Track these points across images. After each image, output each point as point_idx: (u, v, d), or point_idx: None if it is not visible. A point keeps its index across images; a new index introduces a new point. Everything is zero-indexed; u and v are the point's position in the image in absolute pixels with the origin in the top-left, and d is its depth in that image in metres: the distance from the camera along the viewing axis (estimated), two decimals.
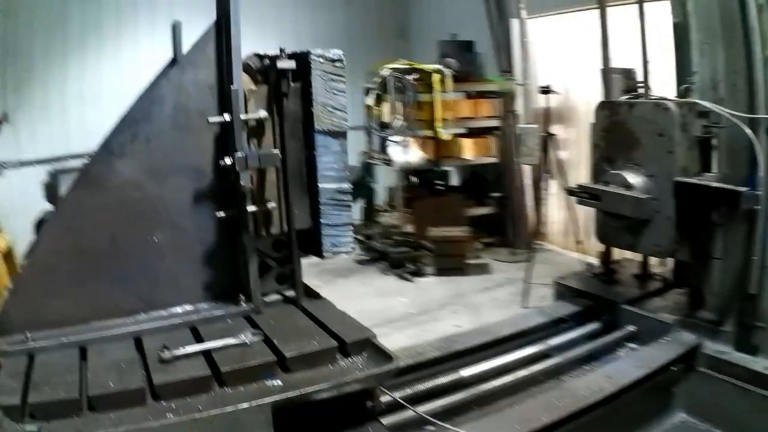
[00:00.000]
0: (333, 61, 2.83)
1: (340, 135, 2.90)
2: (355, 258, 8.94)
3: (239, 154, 2.62)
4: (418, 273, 8.04)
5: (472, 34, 9.12)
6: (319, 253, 3.00)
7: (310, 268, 8.85)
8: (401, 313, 6.83)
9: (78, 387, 2.20)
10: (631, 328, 3.89)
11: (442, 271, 7.98)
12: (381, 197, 10.43)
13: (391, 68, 8.39)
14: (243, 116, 2.68)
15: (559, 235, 8.56)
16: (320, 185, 2.88)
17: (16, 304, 2.54)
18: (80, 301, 2.65)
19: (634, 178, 3.57)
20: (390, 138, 8.49)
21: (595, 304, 4.19)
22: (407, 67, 8.45)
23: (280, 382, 2.42)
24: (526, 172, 8.69)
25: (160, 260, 2.80)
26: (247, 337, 2.60)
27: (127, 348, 2.56)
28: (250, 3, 9.63)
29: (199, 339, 2.64)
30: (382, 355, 2.58)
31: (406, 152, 8.63)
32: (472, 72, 8.92)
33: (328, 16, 10.99)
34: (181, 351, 2.48)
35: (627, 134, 3.58)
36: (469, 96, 8.84)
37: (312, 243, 3.02)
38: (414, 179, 9.45)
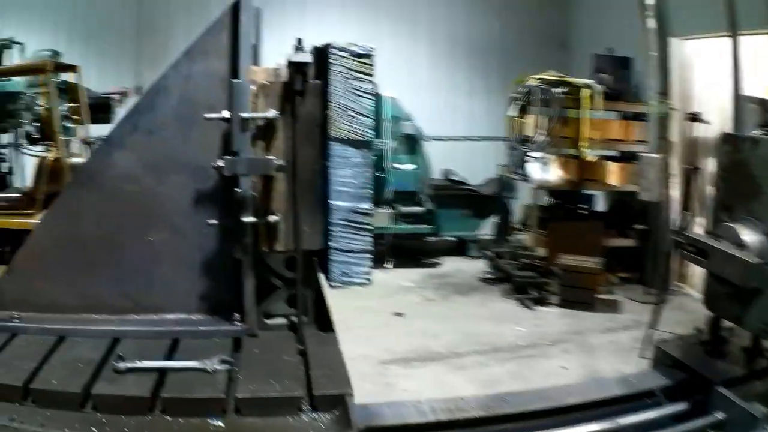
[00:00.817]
0: (359, 56, 2.36)
1: (362, 145, 2.43)
2: (480, 275, 8.56)
3: (227, 158, 2.27)
4: (541, 301, 7.36)
5: (633, 49, 8.06)
6: (328, 280, 2.56)
7: (430, 280, 8.75)
8: (509, 343, 6.28)
9: (28, 376, 2.10)
10: (719, 415, 2.96)
11: (566, 303, 7.23)
12: (517, 215, 9.72)
13: (538, 79, 7.71)
14: (246, 114, 2.32)
15: (700, 279, 7.26)
16: (332, 202, 2.44)
17: (10, 282, 2.48)
18: (70, 291, 2.50)
19: (749, 236, 2.68)
20: (529, 153, 7.79)
21: (690, 379, 3.28)
22: (556, 79, 7.71)
23: (221, 424, 2.03)
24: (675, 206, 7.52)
25: (154, 262, 2.55)
26: (214, 363, 2.25)
27: (98, 347, 2.35)
28: (403, 1, 9.49)
29: (172, 352, 2.36)
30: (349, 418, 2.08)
31: (545, 170, 7.91)
32: (627, 91, 7.89)
33: (485, 20, 10.41)
34: (137, 364, 2.20)
35: (748, 177, 2.70)
36: (621, 117, 7.83)
37: (324, 267, 2.59)
38: (551, 200, 8.63)
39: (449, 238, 9.68)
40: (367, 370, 5.29)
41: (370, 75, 2.37)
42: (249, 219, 2.41)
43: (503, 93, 8.84)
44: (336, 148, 2.40)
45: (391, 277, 8.47)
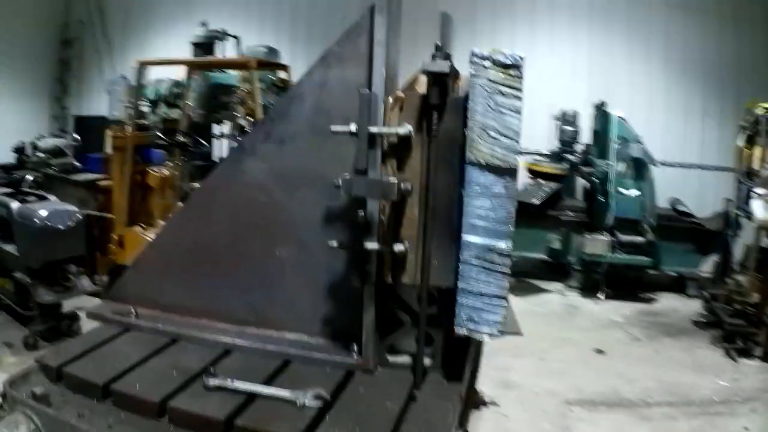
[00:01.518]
0: (504, 66, 1.93)
1: (505, 172, 2.00)
2: (693, 316, 7.74)
3: (346, 176, 2.01)
4: (746, 352, 6.45)
5: None
6: (453, 324, 2.18)
7: (641, 317, 7.97)
8: (703, 396, 5.61)
9: (113, 376, 2.08)
10: None
11: None
12: (738, 254, 8.33)
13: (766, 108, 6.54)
14: (374, 129, 2.04)
15: None
16: (464, 237, 2.05)
17: (134, 277, 2.50)
18: (192, 294, 2.46)
19: None
20: (754, 189, 6.63)
21: None
22: None
23: None
24: None
25: (279, 276, 2.40)
26: (306, 397, 2.02)
27: (205, 357, 2.27)
28: (637, 19, 8.52)
29: (276, 375, 2.19)
30: None
31: None
32: None
33: (721, 40, 8.94)
34: (227, 383, 2.06)
35: None
36: None
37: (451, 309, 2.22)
38: None
39: (669, 273, 8.59)
40: (549, 408, 5.06)
41: (518, 90, 1.94)
42: (372, 245, 2.13)
43: (737, 119, 7.57)
44: (473, 174, 2.00)
45: (602, 309, 7.95)
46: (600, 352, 6.47)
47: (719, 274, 8.05)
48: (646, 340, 7.00)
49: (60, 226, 5.01)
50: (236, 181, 2.38)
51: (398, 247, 2.16)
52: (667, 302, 8.34)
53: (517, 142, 1.98)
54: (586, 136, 8.97)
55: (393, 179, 2.01)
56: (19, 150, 10.41)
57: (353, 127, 2.05)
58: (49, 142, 10.82)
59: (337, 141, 2.20)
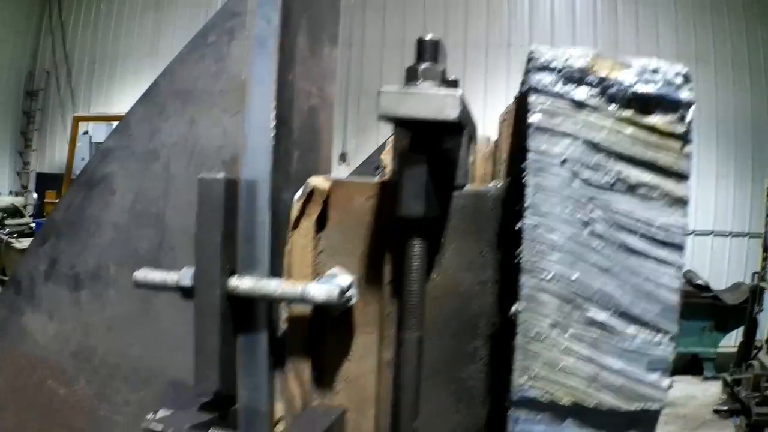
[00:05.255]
0: (643, 104, 0.57)
1: (630, 424, 0.61)
2: (714, 404, 6.38)
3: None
4: None
5: None
6: None
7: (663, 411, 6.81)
8: None
9: None
10: None
11: None
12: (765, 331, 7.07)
13: None
14: (244, 283, 0.66)
15: None
16: None
17: None
18: None
19: None
20: None
21: None
22: None
23: None
24: None
25: None
26: None
27: None
28: None
29: None
30: None
31: None
32: None
33: (721, 90, 7.78)
34: None
35: None
36: None
37: None
38: None
39: (683, 352, 7.30)
40: None
41: (680, 176, 0.57)
42: None
43: (759, 180, 6.36)
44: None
45: None
46: None
47: (743, 354, 6.75)
48: None
49: None
50: (16, 353, 0.99)
51: None
52: (683, 388, 6.96)
53: (669, 337, 0.60)
54: None
55: None
56: None
57: (185, 278, 0.66)
58: (5, 201, 9.45)
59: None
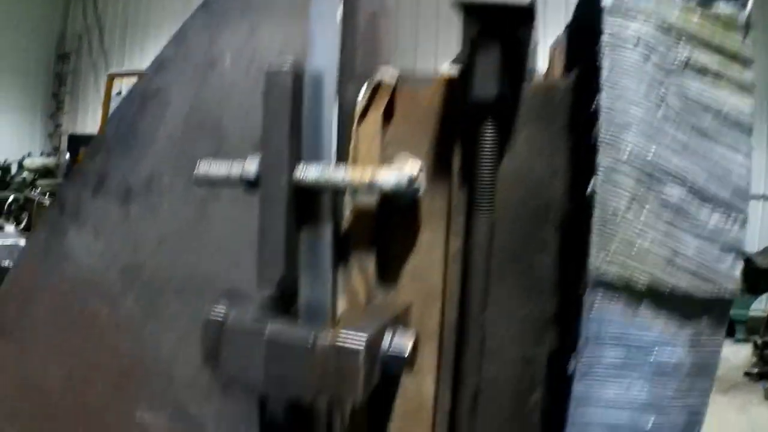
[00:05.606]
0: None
1: (703, 309, 0.60)
2: (746, 367, 6.49)
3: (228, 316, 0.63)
4: None
5: None
6: None
7: None
8: None
9: None
10: None
11: None
12: None
13: None
14: (311, 172, 0.66)
15: None
16: None
17: None
18: None
19: None
20: None
21: None
22: None
23: None
24: None
25: None
26: None
27: None
28: None
29: None
30: None
31: None
32: None
33: None
34: None
35: None
36: None
37: None
38: None
39: None
40: None
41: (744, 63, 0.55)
42: None
43: None
44: (606, 315, 0.60)
45: None
46: None
47: None
48: None
49: None
50: (57, 276, 1.00)
51: None
52: None
53: (741, 220, 0.59)
54: None
55: (361, 335, 0.61)
56: (4, 169, 9.20)
57: (250, 168, 0.66)
58: (36, 162, 9.59)
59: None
